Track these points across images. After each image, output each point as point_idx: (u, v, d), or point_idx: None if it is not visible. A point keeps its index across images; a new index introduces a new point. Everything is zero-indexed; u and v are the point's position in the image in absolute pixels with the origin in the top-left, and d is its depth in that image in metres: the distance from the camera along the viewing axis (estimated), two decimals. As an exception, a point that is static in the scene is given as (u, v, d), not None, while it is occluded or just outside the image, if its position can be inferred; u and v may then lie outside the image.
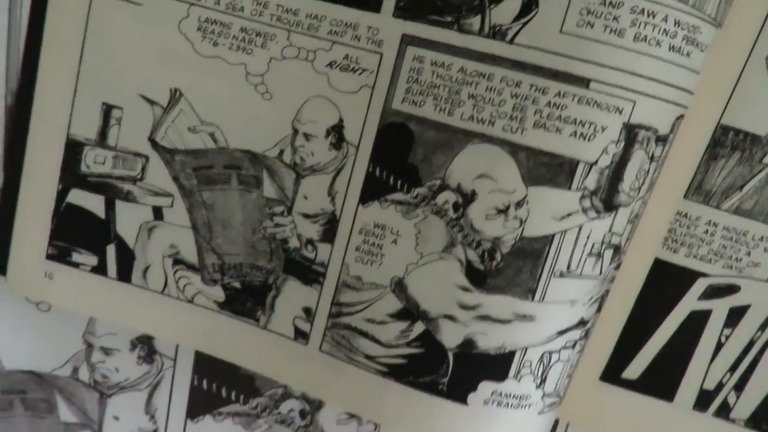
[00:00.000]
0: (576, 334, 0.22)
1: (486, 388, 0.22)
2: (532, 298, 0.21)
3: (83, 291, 0.25)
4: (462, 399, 0.22)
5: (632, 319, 0.24)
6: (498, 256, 0.21)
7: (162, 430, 0.27)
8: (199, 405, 0.27)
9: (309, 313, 0.24)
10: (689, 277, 0.24)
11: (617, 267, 0.23)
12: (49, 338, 0.27)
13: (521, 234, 0.21)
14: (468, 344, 0.22)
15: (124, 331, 0.26)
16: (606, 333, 0.25)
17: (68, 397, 0.27)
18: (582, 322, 0.22)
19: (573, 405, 0.25)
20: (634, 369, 0.25)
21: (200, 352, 0.26)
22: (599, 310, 0.23)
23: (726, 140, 0.22)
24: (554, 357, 0.22)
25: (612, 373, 0.25)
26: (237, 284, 0.24)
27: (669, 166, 0.22)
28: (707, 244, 0.23)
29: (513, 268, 0.21)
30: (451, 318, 0.22)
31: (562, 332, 0.22)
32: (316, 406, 0.26)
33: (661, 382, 0.25)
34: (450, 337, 0.22)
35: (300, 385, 0.25)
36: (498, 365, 0.22)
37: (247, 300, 0.24)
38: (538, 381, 0.22)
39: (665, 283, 0.24)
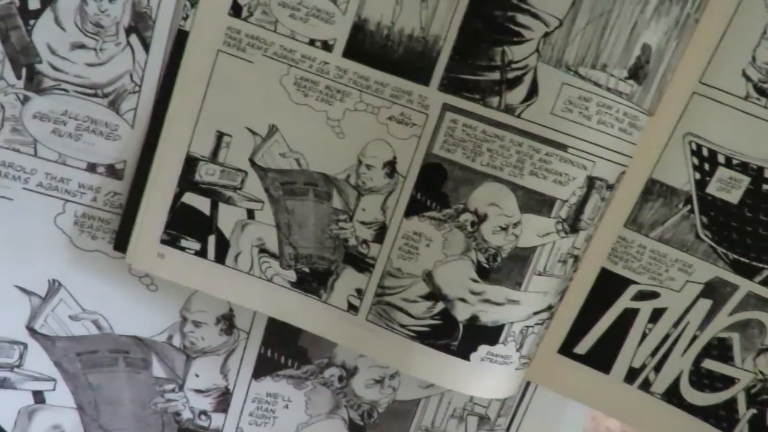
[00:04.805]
0: (545, 315, 0.32)
1: (483, 349, 0.32)
2: (519, 289, 0.31)
3: (187, 269, 0.34)
4: (466, 356, 0.32)
5: (584, 310, 0.35)
6: (499, 259, 0.31)
7: (231, 385, 0.35)
8: (263, 368, 0.35)
9: (360, 293, 0.33)
10: (624, 283, 0.34)
11: (575, 270, 0.33)
12: (153, 312, 0.35)
13: (515, 245, 0.31)
14: (473, 319, 0.32)
15: (213, 309, 0.35)
16: (564, 317, 0.35)
17: (161, 358, 0.34)
18: (550, 307, 0.32)
19: (538, 369, 0.35)
20: (583, 346, 0.35)
21: (269, 328, 0.35)
22: (562, 299, 0.33)
23: (654, 189, 0.33)
24: (530, 330, 0.32)
25: (567, 348, 0.35)
26: (306, 269, 0.33)
27: (614, 204, 0.33)
28: (638, 261, 0.34)
29: (508, 268, 0.31)
30: (463, 300, 0.31)
31: (536, 313, 0.32)
32: (351, 373, 0.35)
33: (601, 358, 0.35)
34: (461, 313, 0.32)
35: (350, 345, 0.34)
36: (492, 334, 0.32)
37: (313, 281, 0.33)
38: (518, 346, 0.32)
39: (608, 285, 0.34)
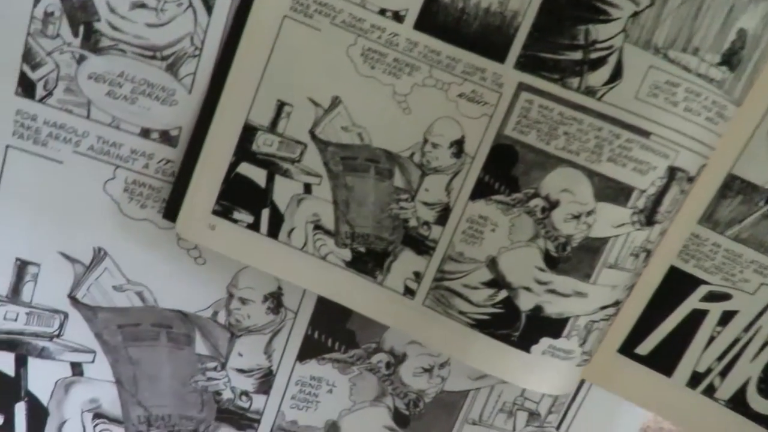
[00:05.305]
0: (612, 310, 0.31)
1: (545, 342, 0.30)
2: (588, 281, 0.30)
3: (238, 242, 0.33)
4: (526, 348, 0.31)
5: (649, 308, 0.33)
6: (569, 249, 0.29)
7: (275, 367, 0.34)
8: (308, 350, 0.34)
9: (418, 276, 0.32)
10: (694, 282, 0.32)
11: (645, 266, 0.31)
12: (199, 286, 0.34)
13: (587, 235, 0.29)
14: (537, 309, 0.30)
15: (261, 287, 0.34)
16: (627, 316, 0.33)
17: (205, 335, 0.33)
18: (617, 302, 0.31)
19: (595, 368, 0.34)
20: (645, 347, 0.34)
21: (317, 309, 0.34)
22: (629, 295, 0.32)
23: (733, 185, 0.31)
24: (595, 325, 0.31)
25: (628, 348, 0.34)
26: (362, 249, 0.32)
27: (689, 199, 0.31)
28: (711, 260, 0.32)
29: (578, 258, 0.29)
30: (527, 289, 0.30)
31: (603, 308, 0.30)
32: (400, 360, 0.34)
33: (664, 360, 0.34)
34: (525, 303, 0.30)
35: (404, 329, 0.32)
36: (556, 326, 0.30)
37: (369, 262, 0.32)
38: (581, 341, 0.31)
39: (676, 284, 0.32)
